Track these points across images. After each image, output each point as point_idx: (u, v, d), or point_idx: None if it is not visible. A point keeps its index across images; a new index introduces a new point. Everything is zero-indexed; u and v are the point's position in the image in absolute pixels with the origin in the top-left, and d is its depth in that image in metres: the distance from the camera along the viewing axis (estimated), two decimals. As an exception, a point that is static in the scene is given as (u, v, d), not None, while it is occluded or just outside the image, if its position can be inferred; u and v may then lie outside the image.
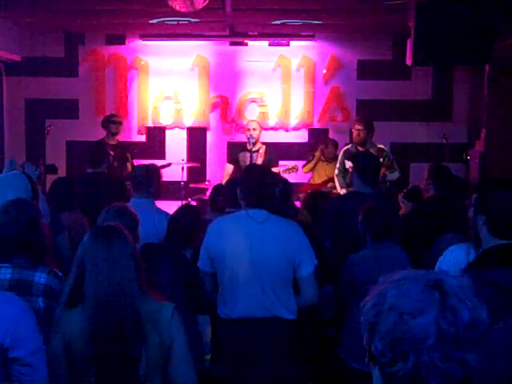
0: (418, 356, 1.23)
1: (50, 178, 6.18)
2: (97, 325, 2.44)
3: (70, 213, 4.78)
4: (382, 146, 7.03)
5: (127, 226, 2.92)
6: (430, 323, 1.24)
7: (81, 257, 2.53)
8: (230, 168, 7.57)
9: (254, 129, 7.41)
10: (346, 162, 6.82)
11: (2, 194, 3.63)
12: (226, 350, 3.57)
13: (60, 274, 3.09)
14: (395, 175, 6.88)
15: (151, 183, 4.75)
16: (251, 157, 7.30)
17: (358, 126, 7.01)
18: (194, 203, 7.95)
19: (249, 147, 7.31)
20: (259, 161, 7.30)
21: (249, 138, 7.32)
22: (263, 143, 7.62)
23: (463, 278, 1.32)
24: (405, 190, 5.62)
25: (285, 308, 3.51)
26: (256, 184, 3.57)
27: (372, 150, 6.84)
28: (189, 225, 3.97)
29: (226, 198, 4.84)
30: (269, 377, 3.51)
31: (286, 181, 4.83)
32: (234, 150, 7.50)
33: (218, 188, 5.41)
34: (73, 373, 2.49)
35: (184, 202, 7.87)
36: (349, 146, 7.19)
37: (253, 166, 3.81)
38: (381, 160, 6.75)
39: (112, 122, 7.81)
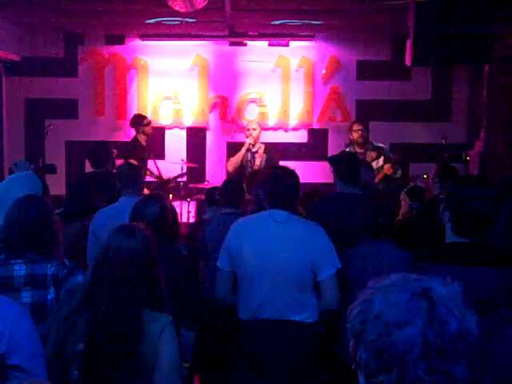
0: (402, 368, 1.21)
1: (49, 178, 6.18)
2: (92, 331, 2.37)
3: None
4: (381, 145, 7.03)
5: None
6: (415, 335, 1.21)
7: (101, 257, 2.46)
8: None
9: (253, 128, 7.40)
10: None
11: (12, 193, 3.68)
12: (243, 352, 3.51)
13: (67, 264, 3.15)
14: (399, 173, 6.88)
15: (138, 180, 4.77)
16: (252, 157, 7.30)
17: (358, 127, 7.03)
18: (193, 203, 7.97)
19: (250, 148, 7.30)
20: (258, 161, 7.30)
21: (248, 138, 7.30)
22: (262, 143, 7.61)
23: (453, 286, 1.29)
24: (407, 188, 5.63)
25: (303, 311, 3.45)
26: (280, 186, 3.52)
27: (371, 149, 6.86)
28: (150, 216, 3.42)
29: (222, 197, 4.83)
30: (284, 381, 3.45)
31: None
32: (234, 150, 7.50)
33: (213, 188, 5.44)
34: (64, 372, 2.44)
35: (184, 202, 7.90)
36: (346, 148, 7.17)
37: (277, 167, 3.75)
38: (381, 159, 6.78)
39: (146, 125, 7.84)
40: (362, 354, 1.26)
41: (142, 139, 7.82)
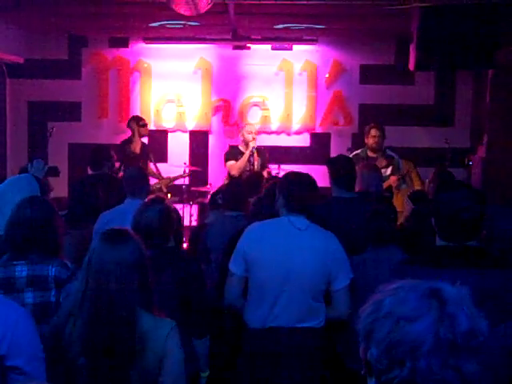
0: (414, 362, 1.21)
1: (52, 181, 6.19)
2: (90, 334, 2.36)
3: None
4: (392, 154, 6.98)
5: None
6: (426, 329, 1.22)
7: (88, 260, 2.44)
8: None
9: (256, 133, 7.41)
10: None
11: (11, 196, 3.68)
12: (252, 360, 3.47)
13: (69, 264, 3.15)
14: (404, 187, 6.80)
15: (145, 184, 4.77)
16: (250, 161, 7.30)
17: (375, 133, 6.95)
18: (195, 207, 7.97)
19: (244, 150, 7.29)
20: (255, 164, 7.31)
21: (252, 147, 7.26)
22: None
23: (462, 287, 1.30)
24: (410, 192, 5.62)
25: (313, 318, 3.43)
26: (298, 191, 3.50)
27: (382, 158, 6.82)
28: (152, 222, 3.31)
29: (225, 200, 4.82)
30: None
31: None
32: (233, 153, 7.48)
33: (217, 190, 5.42)
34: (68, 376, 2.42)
35: (186, 206, 7.90)
36: (358, 151, 7.14)
37: (294, 172, 3.70)
38: (390, 168, 6.75)
39: (141, 126, 7.85)
40: (373, 351, 1.27)
41: (138, 140, 7.83)
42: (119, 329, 2.33)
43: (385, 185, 6.52)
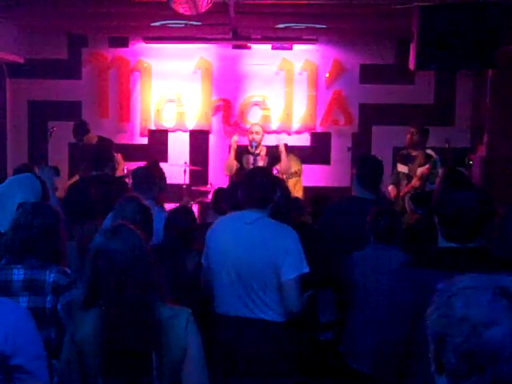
0: (495, 368, 1.20)
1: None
2: (109, 329, 2.35)
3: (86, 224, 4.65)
4: (431, 153, 7.02)
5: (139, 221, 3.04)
6: (505, 334, 1.21)
7: (94, 256, 2.43)
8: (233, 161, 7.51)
9: (257, 132, 7.38)
10: (398, 164, 7.07)
11: (11, 195, 3.67)
12: (215, 345, 3.49)
13: (69, 271, 3.13)
14: (428, 187, 6.83)
15: (152, 184, 4.73)
16: (254, 160, 7.29)
17: (411, 129, 7.06)
18: (195, 206, 7.97)
19: (251, 150, 7.29)
20: (260, 164, 7.29)
21: (251, 142, 7.29)
22: (264, 146, 7.58)
23: None
24: (414, 192, 5.60)
25: (270, 310, 3.43)
26: (254, 187, 3.54)
27: (421, 156, 6.90)
28: (184, 225, 3.98)
29: (227, 201, 4.82)
30: (252, 378, 3.44)
31: (282, 181, 4.76)
32: (238, 152, 7.49)
33: (219, 191, 5.40)
34: (85, 380, 2.39)
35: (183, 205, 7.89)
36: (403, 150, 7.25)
37: (255, 168, 3.74)
38: (427, 166, 6.80)
39: (77, 135, 7.79)
40: (450, 358, 1.26)
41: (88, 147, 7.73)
42: (135, 318, 2.34)
43: (413, 183, 6.64)
